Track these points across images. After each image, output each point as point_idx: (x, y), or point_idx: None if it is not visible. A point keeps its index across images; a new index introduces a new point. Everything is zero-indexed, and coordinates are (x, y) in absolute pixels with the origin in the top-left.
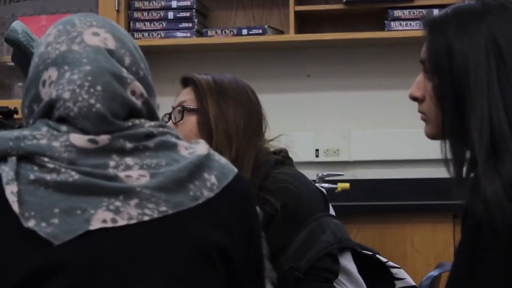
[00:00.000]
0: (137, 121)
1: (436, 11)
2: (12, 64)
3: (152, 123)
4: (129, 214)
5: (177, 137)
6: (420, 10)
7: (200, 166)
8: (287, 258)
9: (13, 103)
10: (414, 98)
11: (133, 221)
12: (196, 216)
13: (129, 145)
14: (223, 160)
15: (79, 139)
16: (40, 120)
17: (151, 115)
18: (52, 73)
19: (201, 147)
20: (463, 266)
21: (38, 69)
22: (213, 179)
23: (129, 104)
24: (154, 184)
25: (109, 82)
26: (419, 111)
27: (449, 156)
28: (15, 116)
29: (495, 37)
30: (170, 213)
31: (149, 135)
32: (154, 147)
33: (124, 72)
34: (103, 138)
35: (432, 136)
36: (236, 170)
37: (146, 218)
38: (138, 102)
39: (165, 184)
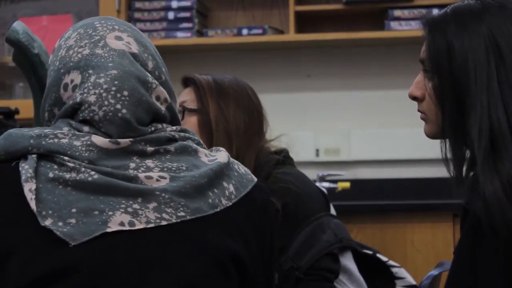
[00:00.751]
0: (159, 126)
1: (435, 11)
2: (13, 64)
3: (174, 128)
4: (147, 217)
5: (198, 143)
6: (420, 9)
7: (220, 174)
8: (288, 257)
9: (14, 103)
10: (413, 98)
11: (150, 225)
12: (214, 224)
13: (150, 148)
14: (243, 169)
15: (100, 140)
16: (62, 120)
17: (174, 120)
18: (75, 77)
19: (222, 155)
20: (462, 265)
21: (59, 72)
22: (231, 188)
23: (154, 110)
24: (174, 188)
25: (136, 88)
26: (419, 111)
27: (448, 155)
28: (16, 116)
29: (494, 36)
30: (188, 219)
31: (171, 140)
32: (175, 151)
33: (149, 77)
34: (125, 141)
35: (432, 135)
36: (255, 179)
37: (164, 223)
38: (163, 108)
39: (185, 189)
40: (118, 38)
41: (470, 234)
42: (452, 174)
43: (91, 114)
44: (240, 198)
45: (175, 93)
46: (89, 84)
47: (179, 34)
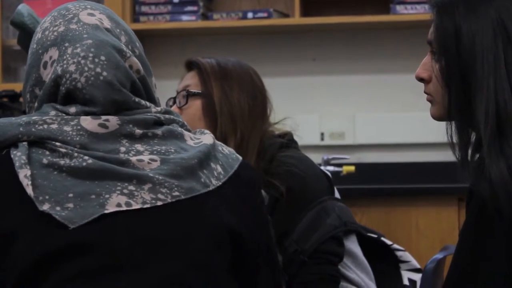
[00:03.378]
0: (142, 102)
1: None
2: (18, 47)
3: (159, 109)
4: (143, 198)
5: (182, 125)
6: None
7: (207, 155)
8: (292, 241)
9: (19, 86)
10: (420, 79)
11: (147, 205)
12: (208, 202)
13: (138, 130)
14: (226, 149)
15: (90, 123)
16: (46, 104)
17: (148, 93)
18: (52, 53)
19: (207, 137)
20: (467, 246)
21: (38, 53)
22: (219, 168)
23: (130, 77)
24: (165, 171)
25: (112, 53)
26: (425, 92)
27: (454, 138)
28: (21, 99)
29: (503, 20)
30: (183, 198)
31: (157, 122)
32: (162, 135)
33: (123, 47)
34: (113, 123)
35: (438, 117)
36: (240, 158)
37: (159, 203)
38: (136, 78)
39: (176, 171)
40: (91, 15)
41: (475, 216)
42: (457, 157)
43: (73, 83)
44: (228, 177)
45: (180, 77)
46: (67, 55)
47: (184, 17)
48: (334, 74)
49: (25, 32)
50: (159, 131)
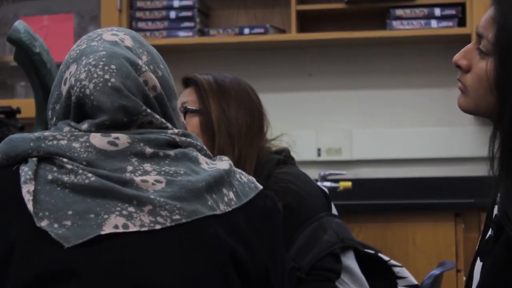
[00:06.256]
0: (156, 116)
1: (438, 10)
2: (15, 64)
3: (176, 131)
4: (141, 220)
5: (201, 149)
6: (422, 9)
7: (219, 180)
8: (289, 258)
9: (16, 102)
10: (457, 66)
11: (144, 228)
12: (211, 225)
13: (148, 149)
14: (245, 178)
15: (99, 140)
16: (62, 122)
17: (164, 114)
18: (72, 69)
19: (223, 164)
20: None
21: (61, 71)
22: (231, 195)
23: (142, 90)
24: (169, 193)
25: (123, 64)
26: (459, 80)
27: (496, 152)
28: (18, 115)
29: None
30: (184, 222)
31: (171, 143)
32: (175, 156)
33: (140, 62)
34: (123, 141)
35: (465, 109)
36: (259, 188)
37: (158, 227)
38: (151, 94)
39: (180, 193)
40: (114, 35)
41: (506, 251)
42: (493, 173)
43: (83, 90)
44: (240, 205)
45: (178, 93)
46: (81, 66)
47: (181, 33)
48: (331, 90)
49: (22, 49)
50: (171, 152)
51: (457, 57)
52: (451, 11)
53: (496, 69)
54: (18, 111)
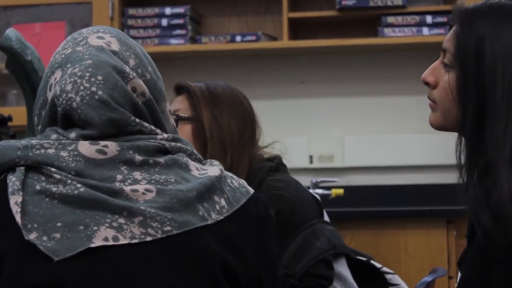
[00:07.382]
0: (145, 124)
1: (429, 18)
2: (6, 71)
3: (166, 136)
4: (132, 232)
5: (191, 154)
6: (413, 16)
7: (210, 188)
8: (282, 265)
9: (8, 110)
10: (426, 83)
11: (135, 240)
12: (203, 235)
13: (138, 157)
14: (236, 182)
15: (87, 148)
16: (50, 128)
17: (154, 118)
18: (57, 75)
19: (214, 169)
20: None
21: (47, 76)
22: (223, 202)
23: (131, 98)
24: (159, 204)
25: (110, 73)
26: (429, 97)
27: (462, 159)
28: (9, 123)
29: None
30: (175, 233)
31: (161, 150)
32: (165, 163)
33: (127, 69)
34: (112, 149)
35: (436, 126)
36: (251, 192)
37: (148, 239)
38: (139, 101)
39: (171, 204)
40: (100, 38)
41: (478, 254)
42: (463, 179)
43: (69, 102)
44: (232, 212)
45: (169, 101)
46: (66, 76)
47: (173, 41)
48: (323, 97)
49: (13, 56)
50: (161, 159)
51: (425, 74)
52: (443, 19)
53: (457, 79)
54: (10, 119)
